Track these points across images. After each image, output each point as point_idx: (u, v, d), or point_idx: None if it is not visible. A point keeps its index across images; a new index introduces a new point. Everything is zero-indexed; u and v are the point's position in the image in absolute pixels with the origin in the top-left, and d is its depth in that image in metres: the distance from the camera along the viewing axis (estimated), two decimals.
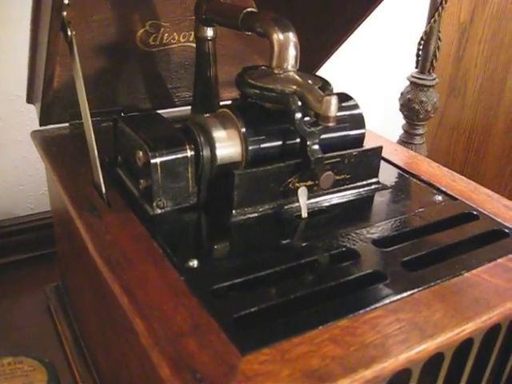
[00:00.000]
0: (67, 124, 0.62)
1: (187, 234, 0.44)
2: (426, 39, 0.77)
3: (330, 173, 0.46)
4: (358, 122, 0.51)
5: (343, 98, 0.52)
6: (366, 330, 0.34)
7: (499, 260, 0.42)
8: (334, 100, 0.43)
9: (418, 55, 0.79)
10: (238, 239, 0.44)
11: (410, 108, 0.81)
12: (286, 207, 0.47)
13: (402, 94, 0.83)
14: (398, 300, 0.36)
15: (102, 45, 0.62)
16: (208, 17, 0.54)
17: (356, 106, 0.51)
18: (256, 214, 0.46)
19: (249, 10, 0.49)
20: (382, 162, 0.58)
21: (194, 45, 0.62)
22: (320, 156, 0.46)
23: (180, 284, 0.37)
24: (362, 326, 0.34)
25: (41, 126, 0.60)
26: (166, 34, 0.66)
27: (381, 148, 0.51)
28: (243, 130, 0.46)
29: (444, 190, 0.52)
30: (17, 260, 0.78)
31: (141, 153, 0.44)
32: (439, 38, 0.77)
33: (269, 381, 0.30)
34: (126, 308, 0.35)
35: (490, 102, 1.02)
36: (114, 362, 0.48)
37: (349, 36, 0.63)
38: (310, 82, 0.47)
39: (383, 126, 1.02)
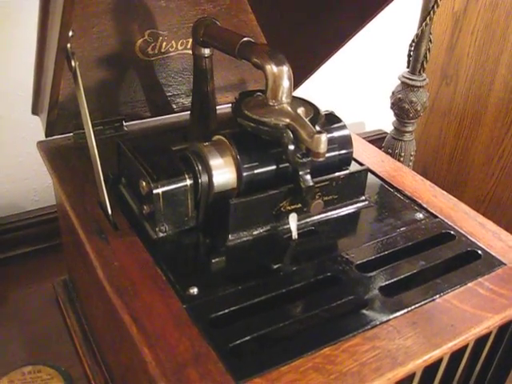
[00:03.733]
0: (71, 134, 0.65)
1: (187, 259, 0.48)
2: (418, 41, 0.79)
3: (319, 201, 0.50)
4: (346, 142, 0.55)
5: (331, 118, 0.56)
6: (344, 359, 0.38)
7: (469, 284, 0.46)
8: (323, 138, 0.46)
9: (409, 56, 0.82)
10: (233, 263, 0.48)
11: (401, 107, 0.84)
12: (278, 229, 0.51)
13: (393, 93, 0.86)
14: (375, 327, 0.41)
15: (102, 56, 0.65)
16: (205, 40, 0.57)
17: (343, 127, 0.55)
18: (251, 238, 0.50)
19: (245, 39, 0.52)
20: (371, 175, 0.62)
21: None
22: (311, 184, 0.49)
23: (182, 313, 0.41)
24: (342, 355, 0.39)
25: (46, 137, 0.64)
26: (165, 43, 0.69)
27: (367, 170, 0.55)
28: (238, 157, 0.49)
29: (425, 206, 0.56)
30: (24, 253, 0.83)
31: (144, 183, 0.48)
32: (430, 41, 0.79)
33: None
34: (135, 337, 0.40)
35: (480, 91, 1.04)
36: (122, 365, 0.53)
37: (338, 50, 0.65)
38: (301, 111, 0.51)
39: (379, 121, 1.06)
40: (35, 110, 0.64)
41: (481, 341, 0.47)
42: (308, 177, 0.49)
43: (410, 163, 0.88)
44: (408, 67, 0.83)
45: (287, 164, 0.51)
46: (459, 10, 1.04)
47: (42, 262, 0.82)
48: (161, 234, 0.49)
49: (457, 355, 0.45)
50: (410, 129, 0.86)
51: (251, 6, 0.73)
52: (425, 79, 0.83)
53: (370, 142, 0.78)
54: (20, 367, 0.49)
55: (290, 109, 0.50)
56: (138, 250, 0.48)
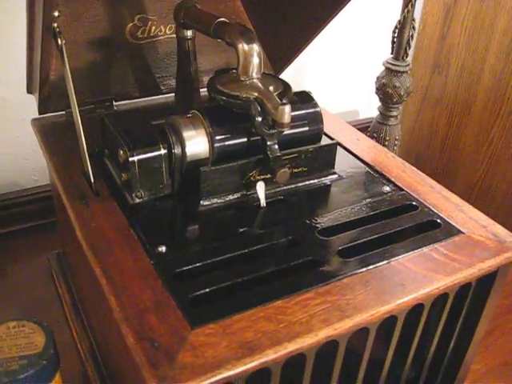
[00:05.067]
0: (64, 112, 0.69)
1: (160, 222, 0.51)
2: (400, 28, 0.82)
3: (285, 170, 0.53)
4: (316, 119, 0.57)
5: (304, 96, 0.58)
6: (295, 310, 0.41)
7: (424, 249, 0.49)
8: (287, 109, 0.49)
9: (393, 42, 0.84)
10: (204, 226, 0.51)
11: (385, 92, 0.86)
12: (248, 197, 0.54)
13: (377, 78, 0.88)
14: (328, 284, 0.44)
15: (94, 39, 0.68)
16: (185, 21, 0.60)
17: (314, 105, 0.58)
18: (221, 204, 0.53)
19: (220, 20, 0.55)
20: (344, 151, 0.65)
21: None
22: (278, 154, 0.53)
23: (149, 268, 0.45)
24: (293, 307, 0.42)
25: (39, 114, 0.67)
26: (154, 27, 0.72)
27: (335, 144, 0.58)
28: (210, 129, 0.52)
29: (393, 180, 0.59)
30: (23, 228, 0.87)
31: (121, 151, 0.52)
32: (413, 27, 0.81)
33: (210, 350, 0.38)
34: (104, 288, 0.43)
35: (470, 80, 1.06)
36: (102, 326, 0.57)
37: (318, 33, 0.68)
38: (271, 87, 0.54)
39: (367, 106, 1.08)
40: (29, 89, 0.68)
41: (441, 302, 0.50)
42: (275, 147, 0.52)
43: (395, 147, 0.91)
44: (392, 53, 0.85)
45: (258, 137, 0.54)
46: (450, 1, 1.06)
47: (39, 237, 0.86)
48: (137, 200, 0.53)
49: (414, 316, 0.47)
50: (394, 113, 0.88)
51: None
52: (408, 65, 0.85)
53: (362, 129, 0.81)
54: (6, 322, 0.52)
55: (259, 84, 0.53)
56: (116, 213, 0.51)
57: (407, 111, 1.24)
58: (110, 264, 0.45)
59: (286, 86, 0.56)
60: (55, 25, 0.54)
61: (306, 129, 0.57)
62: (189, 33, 0.63)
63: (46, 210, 0.86)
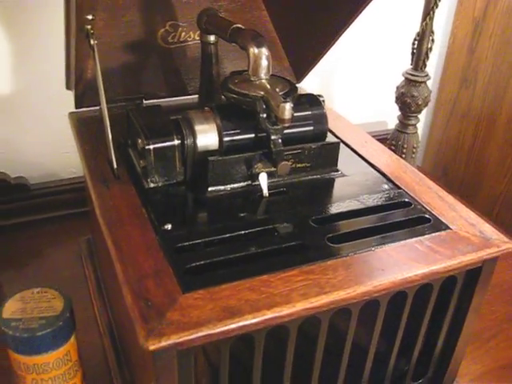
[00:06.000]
0: (98, 107, 0.76)
1: (170, 205, 0.57)
2: (419, 39, 0.85)
3: (286, 162, 0.57)
4: (320, 119, 0.62)
5: (311, 98, 0.63)
6: (278, 284, 0.46)
7: (410, 241, 0.52)
8: (288, 106, 0.54)
9: (412, 53, 0.87)
10: (209, 210, 0.56)
11: (403, 101, 0.89)
12: (252, 187, 0.59)
13: (397, 87, 0.91)
14: (312, 265, 0.48)
15: (128, 42, 0.75)
16: (207, 27, 0.66)
17: (319, 107, 0.62)
18: (227, 192, 0.58)
19: (235, 26, 0.61)
20: (351, 152, 0.69)
21: None
22: (280, 148, 0.57)
23: (154, 242, 0.50)
24: (277, 281, 0.46)
25: (76, 108, 0.75)
26: (183, 33, 0.78)
27: (338, 143, 0.62)
28: (220, 124, 0.58)
29: (393, 180, 0.62)
30: (59, 215, 0.94)
31: (140, 140, 0.58)
32: (432, 39, 0.84)
33: (196, 311, 0.42)
34: (113, 256, 0.49)
35: (496, 94, 1.08)
36: (115, 299, 0.62)
37: (333, 44, 0.73)
38: (278, 88, 0.59)
39: (388, 114, 1.11)
40: (68, 86, 0.75)
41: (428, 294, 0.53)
42: (278, 141, 0.57)
43: (413, 155, 0.94)
44: (411, 64, 0.89)
45: (264, 133, 0.59)
46: (479, 15, 1.08)
47: (73, 224, 0.93)
48: (152, 185, 0.58)
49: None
50: (412, 122, 0.91)
51: (264, 4, 0.82)
52: (426, 75, 0.88)
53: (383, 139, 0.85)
54: (31, 288, 0.59)
55: (267, 84, 0.58)
56: (131, 195, 0.57)
57: (436, 124, 1.26)
58: (120, 236, 0.51)
59: (293, 87, 0.60)
60: (89, 27, 0.60)
61: (311, 128, 0.62)
62: (211, 38, 0.69)
63: (81, 200, 0.93)
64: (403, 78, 0.90)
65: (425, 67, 0.87)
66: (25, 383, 0.58)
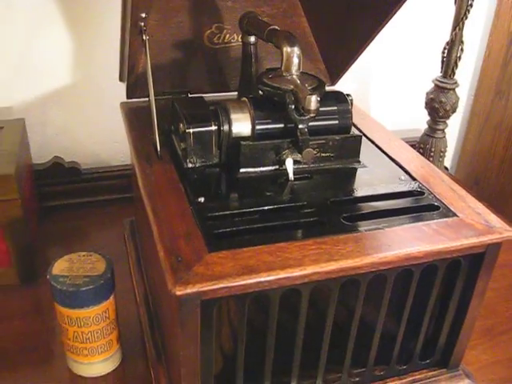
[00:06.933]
0: (147, 99, 0.84)
1: (204, 182, 0.64)
2: (449, 48, 0.90)
3: (310, 149, 0.63)
4: (345, 114, 0.68)
5: (338, 95, 0.69)
6: (293, 250, 0.52)
7: (418, 224, 0.57)
8: (313, 98, 0.60)
9: (442, 62, 0.92)
10: (239, 189, 0.63)
11: (432, 106, 0.94)
12: (279, 171, 0.65)
13: (426, 93, 0.96)
14: (325, 237, 0.54)
15: (177, 41, 0.83)
16: (247, 28, 0.73)
17: (345, 104, 0.68)
18: (257, 174, 0.65)
19: (271, 27, 0.67)
20: (374, 148, 0.74)
21: None
22: (306, 137, 0.63)
23: (188, 211, 0.57)
24: (292, 248, 0.52)
25: (127, 99, 0.83)
26: (228, 35, 0.86)
27: (360, 136, 0.68)
28: (253, 114, 0.64)
29: (410, 172, 0.68)
30: (107, 199, 1.03)
31: (181, 125, 0.65)
32: (462, 49, 0.89)
33: (219, 267, 0.49)
34: (151, 221, 0.56)
35: None
36: (151, 268, 0.70)
37: (365, 48, 0.78)
38: (307, 83, 0.65)
39: (420, 119, 1.15)
40: (121, 78, 0.84)
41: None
42: (305, 130, 0.63)
43: (440, 158, 0.98)
44: (441, 71, 0.93)
45: (293, 124, 0.65)
46: None
47: (119, 207, 1.01)
48: (190, 165, 0.65)
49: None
50: (440, 127, 0.96)
51: (304, 11, 0.89)
52: (455, 82, 0.93)
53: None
54: (77, 252, 0.67)
55: (297, 79, 0.64)
56: (171, 173, 0.64)
57: (470, 134, 1.29)
58: (158, 206, 0.58)
59: (321, 83, 0.66)
60: (142, 24, 0.68)
61: (336, 122, 0.67)
62: (252, 39, 0.76)
63: (127, 186, 1.01)
64: (433, 85, 0.95)
65: (453, 75, 0.91)
66: (67, 335, 0.66)
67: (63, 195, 1.02)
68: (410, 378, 0.66)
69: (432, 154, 0.96)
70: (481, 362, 0.74)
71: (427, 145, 0.97)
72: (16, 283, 0.83)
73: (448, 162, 1.35)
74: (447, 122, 0.96)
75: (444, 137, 0.97)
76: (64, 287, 0.62)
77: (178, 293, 0.47)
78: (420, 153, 0.98)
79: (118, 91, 0.86)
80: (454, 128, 1.32)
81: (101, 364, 0.68)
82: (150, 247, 0.68)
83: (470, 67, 1.24)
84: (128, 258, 0.88)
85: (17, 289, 0.83)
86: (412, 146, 0.79)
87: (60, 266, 0.65)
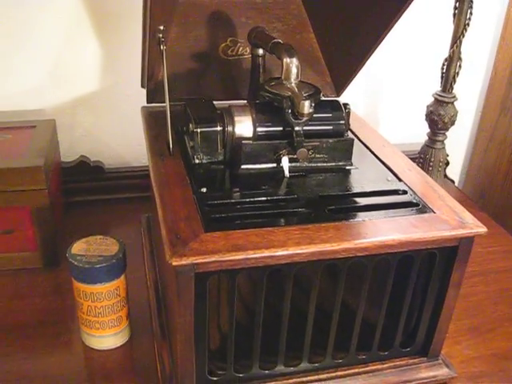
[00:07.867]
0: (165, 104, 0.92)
1: (209, 176, 0.71)
2: (448, 64, 0.96)
3: (304, 149, 0.70)
4: (338, 120, 0.74)
5: (333, 102, 0.76)
6: (279, 234, 0.59)
7: (396, 217, 0.64)
8: (307, 103, 0.67)
9: (441, 77, 0.98)
10: (239, 182, 0.70)
11: (431, 119, 1.00)
12: (276, 169, 0.72)
13: (427, 106, 1.02)
14: (310, 224, 0.61)
15: (194, 52, 0.91)
16: (255, 41, 0.81)
17: (339, 111, 0.75)
18: (256, 171, 0.72)
19: (274, 40, 0.75)
20: (368, 152, 0.81)
21: None
22: (301, 138, 0.70)
23: (191, 198, 0.64)
24: (278, 232, 0.59)
25: (147, 103, 0.91)
26: (241, 48, 0.94)
27: (352, 139, 0.74)
28: (255, 117, 0.72)
29: (397, 174, 0.74)
30: (127, 197, 1.12)
31: (190, 125, 0.73)
32: (460, 66, 0.95)
33: (211, 244, 0.56)
34: (157, 206, 0.63)
35: None
36: (160, 255, 0.77)
37: (367, 60, 0.85)
38: (304, 90, 0.72)
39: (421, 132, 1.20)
40: (142, 84, 0.92)
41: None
42: (300, 132, 0.70)
43: (440, 168, 1.03)
44: (440, 86, 0.99)
45: (289, 127, 0.72)
46: None
47: (138, 205, 1.09)
48: (197, 161, 0.73)
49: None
50: (440, 138, 1.01)
51: (312, 27, 0.96)
52: (454, 96, 0.98)
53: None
54: (94, 235, 0.75)
55: (295, 87, 0.71)
56: (180, 167, 0.72)
57: (476, 150, 1.34)
58: (165, 193, 0.65)
59: (316, 91, 0.74)
60: (160, 35, 0.77)
61: (330, 127, 0.74)
62: (260, 51, 0.83)
63: (146, 186, 1.10)
64: (433, 98, 1.01)
65: (452, 89, 0.97)
66: (82, 309, 0.73)
67: (87, 192, 1.10)
68: (392, 364, 0.71)
69: (431, 163, 1.02)
70: (464, 356, 0.78)
71: (427, 155, 1.02)
72: (40, 267, 0.91)
73: (456, 176, 1.40)
74: (447, 133, 1.01)
75: (443, 148, 1.03)
76: (80, 264, 0.70)
77: (175, 263, 0.54)
78: (420, 163, 1.04)
79: (142, 97, 0.94)
80: (461, 143, 1.37)
81: (111, 338, 0.75)
82: (158, 234, 0.75)
83: (478, 85, 1.30)
84: (143, 249, 0.96)
85: (40, 272, 0.91)
86: (413, 157, 0.84)
87: (78, 247, 0.73)
